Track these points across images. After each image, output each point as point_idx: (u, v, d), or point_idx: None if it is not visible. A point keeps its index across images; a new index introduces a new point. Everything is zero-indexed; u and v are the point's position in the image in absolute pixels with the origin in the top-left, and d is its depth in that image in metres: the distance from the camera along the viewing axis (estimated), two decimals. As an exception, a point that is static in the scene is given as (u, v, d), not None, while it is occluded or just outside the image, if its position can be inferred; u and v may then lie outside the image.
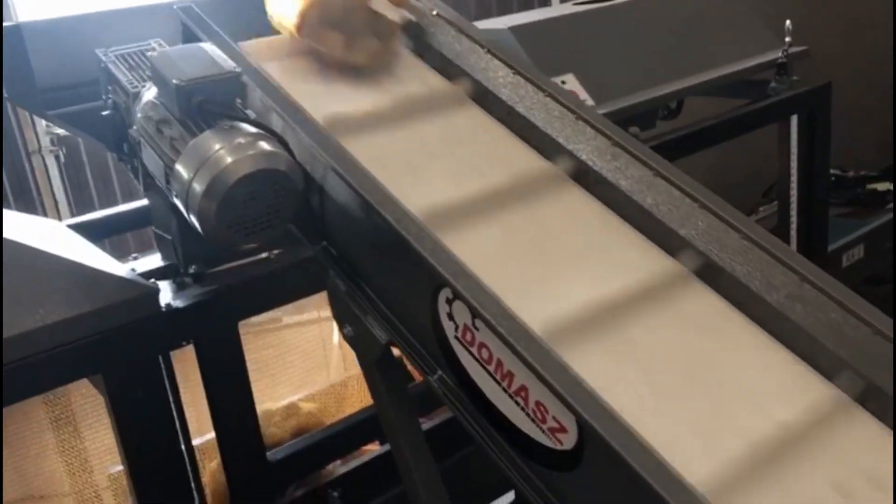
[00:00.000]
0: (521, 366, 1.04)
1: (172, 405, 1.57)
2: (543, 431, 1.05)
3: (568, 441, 1.02)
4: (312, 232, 1.38)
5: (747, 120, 2.44)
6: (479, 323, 1.10)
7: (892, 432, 1.07)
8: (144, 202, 1.90)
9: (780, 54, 2.57)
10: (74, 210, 3.87)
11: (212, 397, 1.63)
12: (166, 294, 1.61)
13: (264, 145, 1.22)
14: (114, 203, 3.68)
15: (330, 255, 1.36)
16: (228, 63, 1.30)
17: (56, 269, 1.44)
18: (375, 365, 1.31)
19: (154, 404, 1.52)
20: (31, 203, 3.84)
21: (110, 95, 1.48)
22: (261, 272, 1.63)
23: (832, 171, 4.36)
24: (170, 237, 1.75)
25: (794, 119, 2.55)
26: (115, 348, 1.44)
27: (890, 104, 4.69)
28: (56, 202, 3.94)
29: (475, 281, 1.10)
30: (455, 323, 1.16)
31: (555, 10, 2.86)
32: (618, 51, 2.42)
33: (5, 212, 1.54)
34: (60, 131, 3.76)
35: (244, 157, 1.19)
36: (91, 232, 1.96)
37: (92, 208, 3.79)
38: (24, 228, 1.55)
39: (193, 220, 1.23)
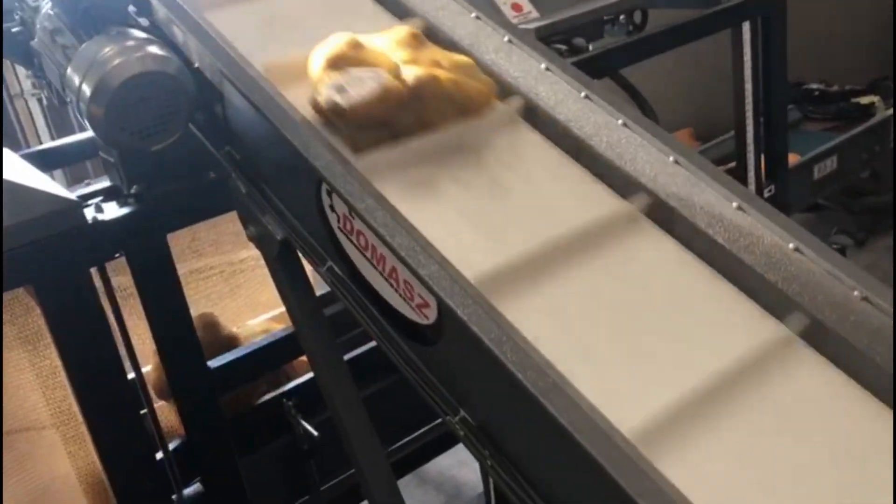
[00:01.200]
0: (388, 250, 1.10)
1: (114, 320, 1.64)
2: (413, 308, 1.11)
3: (431, 315, 1.08)
4: (217, 137, 1.42)
5: (695, 27, 2.42)
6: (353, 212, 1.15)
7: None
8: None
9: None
10: (59, 151, 3.94)
11: (148, 309, 1.69)
12: (111, 212, 1.67)
13: (153, 49, 1.26)
14: (96, 142, 3.75)
15: (233, 158, 1.40)
16: (117, -29, 1.32)
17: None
18: (276, 260, 1.36)
19: (90, 317, 1.59)
20: (17, 146, 3.92)
21: (18, 13, 1.52)
22: (185, 188, 1.68)
23: (815, 86, 4.32)
24: (112, 160, 1.81)
25: (747, 26, 2.52)
26: (42, 259, 1.50)
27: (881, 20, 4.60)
28: (41, 143, 4.02)
29: (347, 173, 1.15)
30: (336, 214, 1.21)
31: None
32: (563, -39, 2.39)
33: None
34: (41, 74, 3.81)
35: (131, 58, 1.23)
36: (44, 161, 2.04)
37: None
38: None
39: (87, 124, 1.27)
